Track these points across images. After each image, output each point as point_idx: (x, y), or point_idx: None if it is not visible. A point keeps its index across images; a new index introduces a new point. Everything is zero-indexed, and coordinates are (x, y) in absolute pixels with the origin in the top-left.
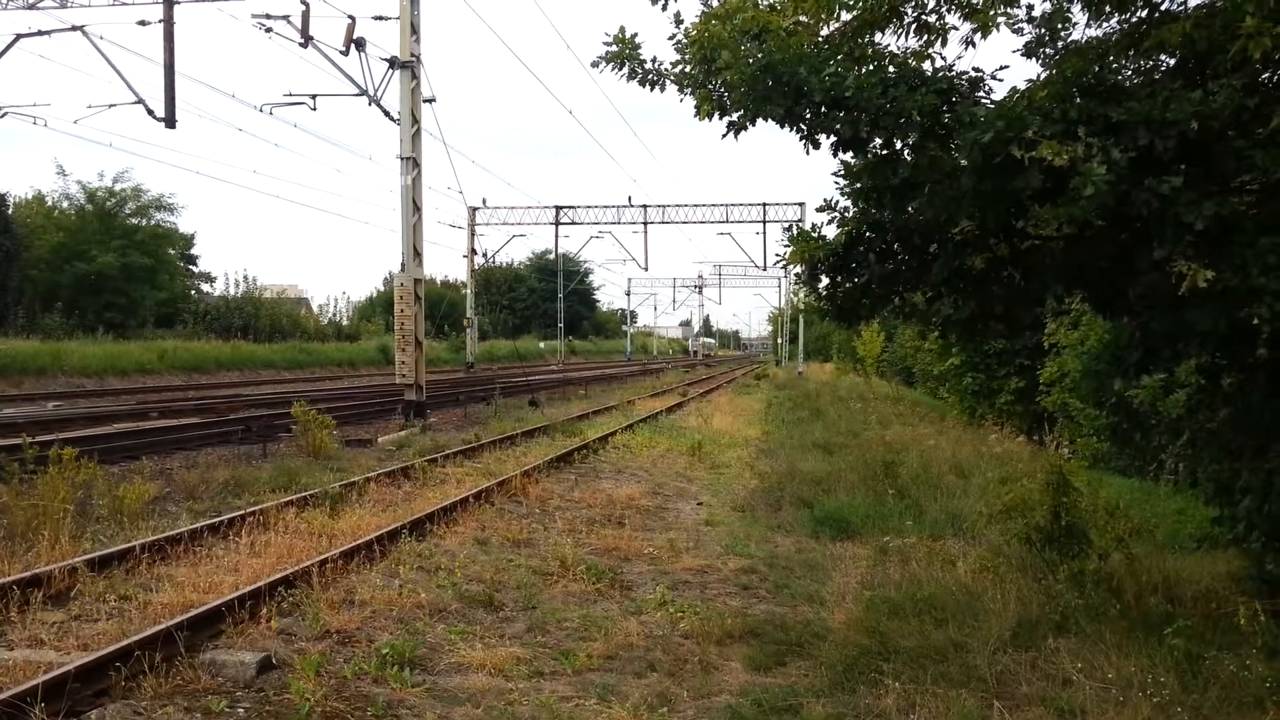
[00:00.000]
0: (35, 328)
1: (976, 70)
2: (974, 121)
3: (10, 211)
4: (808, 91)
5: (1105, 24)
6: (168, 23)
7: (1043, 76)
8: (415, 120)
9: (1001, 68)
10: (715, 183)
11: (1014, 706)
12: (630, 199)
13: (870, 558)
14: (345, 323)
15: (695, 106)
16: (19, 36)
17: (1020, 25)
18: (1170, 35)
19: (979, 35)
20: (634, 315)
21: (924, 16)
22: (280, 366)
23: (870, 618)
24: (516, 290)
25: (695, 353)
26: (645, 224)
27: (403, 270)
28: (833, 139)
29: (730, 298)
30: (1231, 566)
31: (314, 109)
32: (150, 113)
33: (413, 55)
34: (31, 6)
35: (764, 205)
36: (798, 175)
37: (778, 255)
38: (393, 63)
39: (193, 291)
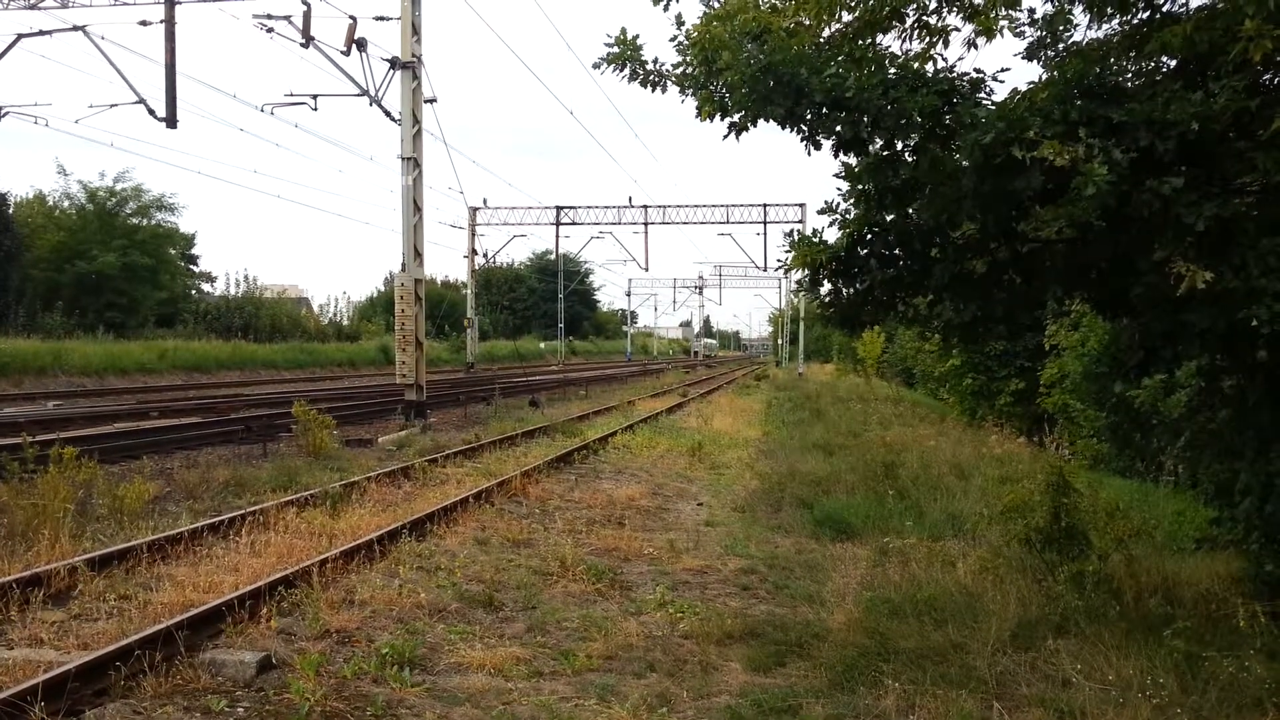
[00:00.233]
0: (36, 327)
1: (978, 72)
2: (975, 122)
3: (11, 211)
4: (809, 92)
5: (1106, 26)
6: (169, 23)
7: (1044, 78)
8: (416, 120)
9: (1002, 70)
10: (716, 183)
11: (1013, 707)
12: (631, 199)
13: (870, 558)
14: (346, 323)
15: (697, 107)
16: (20, 36)
17: (1022, 28)
18: (1171, 37)
19: (981, 38)
20: (634, 316)
21: (925, 18)
22: (281, 366)
23: (870, 618)
24: (517, 290)
25: (697, 353)
26: (646, 224)
27: (403, 270)
28: (834, 140)
29: (730, 298)
30: (1231, 568)
31: (315, 109)
32: (151, 113)
33: (414, 56)
34: (33, 6)
35: (765, 206)
36: (799, 176)
37: (779, 261)
38: (394, 63)
39: (193, 291)
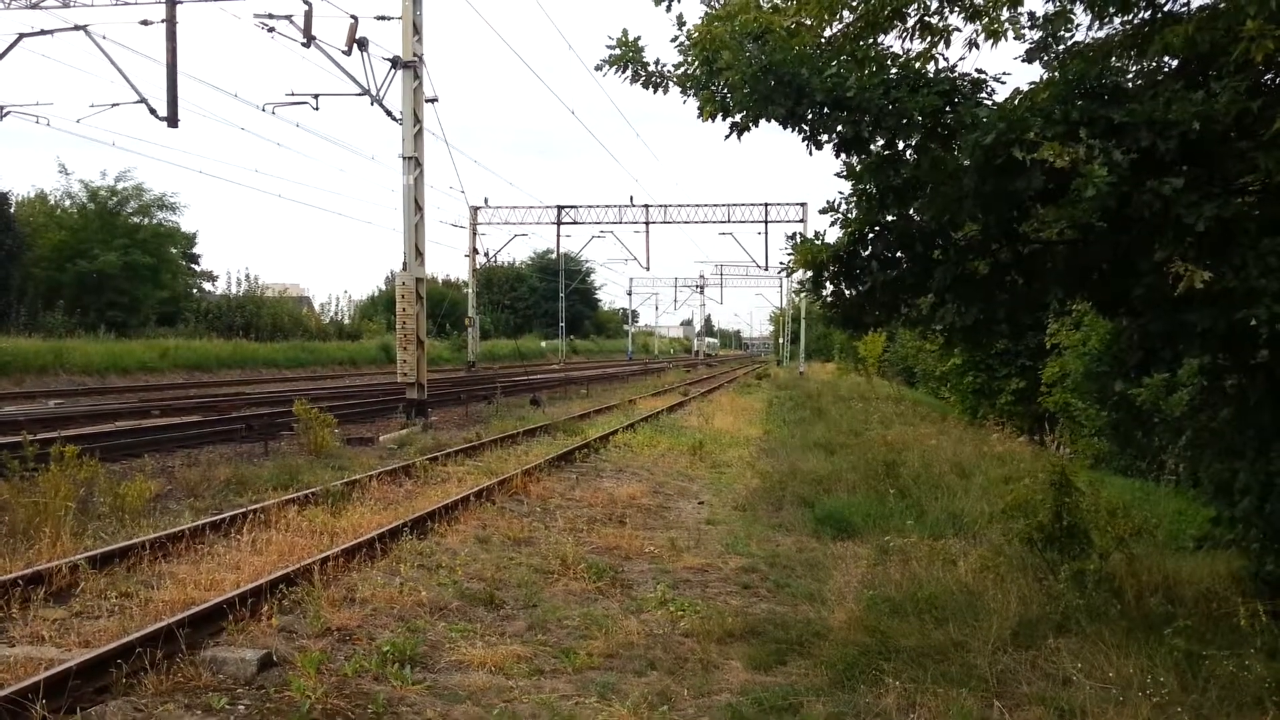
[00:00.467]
0: (37, 326)
1: (979, 72)
2: (976, 123)
3: (13, 210)
4: (809, 92)
5: (1108, 26)
6: (170, 22)
7: (1045, 79)
8: (417, 120)
9: (1004, 72)
10: (717, 183)
11: (1014, 706)
12: (632, 199)
13: (871, 557)
14: (347, 322)
15: (698, 108)
16: (22, 36)
17: (1023, 29)
18: (1173, 37)
19: (983, 39)
20: (635, 315)
21: (927, 18)
22: (282, 365)
23: (871, 617)
24: (518, 289)
25: (699, 353)
26: (647, 224)
27: (404, 269)
28: (835, 140)
29: (732, 297)
30: (1232, 567)
31: (316, 108)
32: (153, 112)
33: (415, 55)
34: (34, 6)
35: (766, 205)
36: (800, 176)
37: (781, 263)
38: (395, 62)
39: (195, 290)
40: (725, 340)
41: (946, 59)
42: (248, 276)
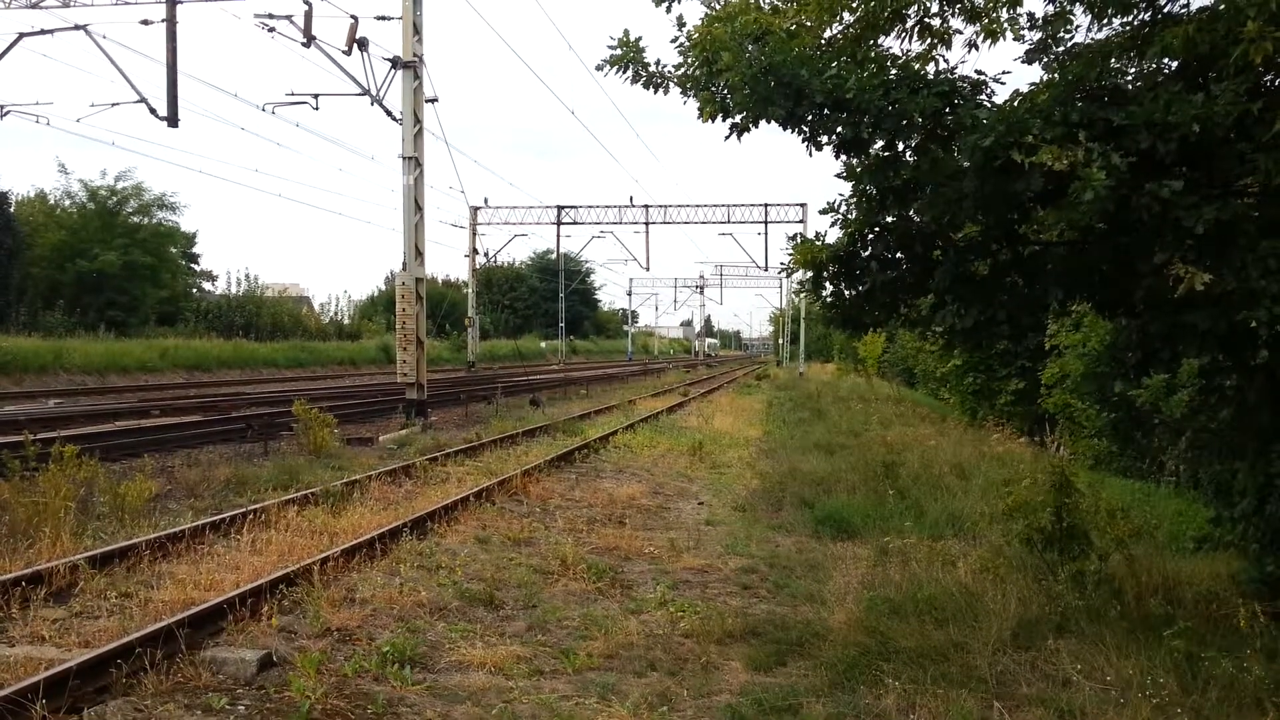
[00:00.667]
0: (37, 325)
1: (979, 73)
2: (975, 124)
3: (12, 210)
4: (809, 93)
5: (1107, 27)
6: (170, 22)
7: (1044, 80)
8: (417, 120)
9: (1004, 73)
10: (717, 183)
11: (1014, 707)
12: (632, 199)
13: (871, 558)
14: (347, 322)
15: (698, 108)
16: (22, 35)
17: (1023, 30)
18: (1173, 39)
19: (982, 40)
20: (635, 315)
21: (926, 19)
22: (281, 365)
23: (870, 618)
24: (518, 290)
25: (700, 353)
26: (647, 224)
27: (404, 269)
28: (835, 141)
29: (731, 298)
30: (1231, 568)
31: (316, 108)
32: (153, 112)
33: (415, 55)
34: (34, 5)
35: (766, 206)
36: (800, 176)
37: (781, 263)
38: (395, 63)
39: (194, 290)
40: (725, 341)
41: (946, 60)
42: (247, 276)
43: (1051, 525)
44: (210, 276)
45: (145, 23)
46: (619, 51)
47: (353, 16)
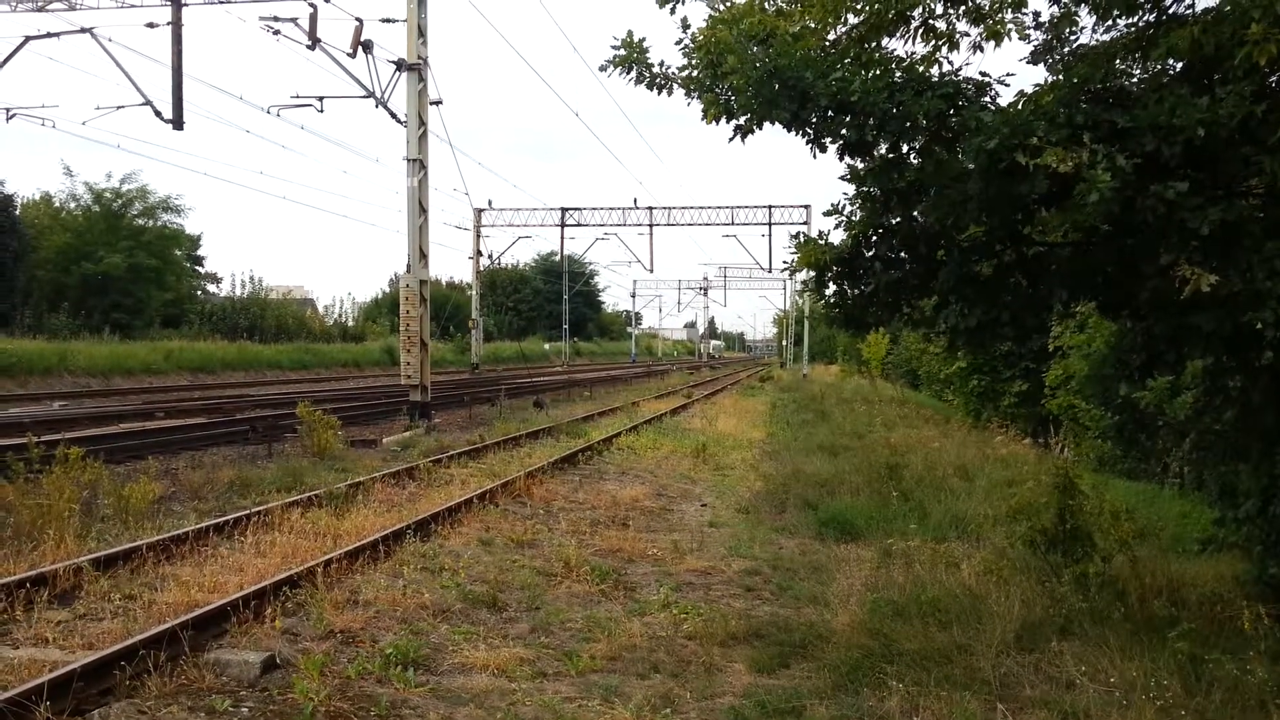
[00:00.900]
0: (42, 328)
1: (983, 75)
2: (980, 127)
3: (18, 212)
4: (814, 96)
5: (1113, 29)
6: (176, 25)
7: (1049, 81)
8: (422, 122)
9: (1008, 74)
10: (721, 185)
11: (1017, 709)
12: (636, 201)
13: (874, 560)
14: (351, 324)
15: (702, 110)
16: (28, 39)
17: (1028, 31)
18: (1178, 40)
19: (987, 41)
20: (639, 317)
21: (931, 21)
22: (286, 367)
23: (874, 620)
24: (522, 292)
25: (703, 355)
26: (651, 226)
27: (408, 271)
28: (839, 143)
29: (735, 300)
30: (1236, 570)
31: (321, 111)
32: (158, 114)
33: (420, 58)
34: (40, 9)
35: (769, 208)
36: (804, 178)
37: (785, 262)
38: (400, 65)
39: (199, 292)
40: (729, 342)
41: (951, 62)
42: (252, 278)
43: (1055, 527)
44: (215, 279)
45: (151, 25)
46: (622, 52)
47: (358, 19)
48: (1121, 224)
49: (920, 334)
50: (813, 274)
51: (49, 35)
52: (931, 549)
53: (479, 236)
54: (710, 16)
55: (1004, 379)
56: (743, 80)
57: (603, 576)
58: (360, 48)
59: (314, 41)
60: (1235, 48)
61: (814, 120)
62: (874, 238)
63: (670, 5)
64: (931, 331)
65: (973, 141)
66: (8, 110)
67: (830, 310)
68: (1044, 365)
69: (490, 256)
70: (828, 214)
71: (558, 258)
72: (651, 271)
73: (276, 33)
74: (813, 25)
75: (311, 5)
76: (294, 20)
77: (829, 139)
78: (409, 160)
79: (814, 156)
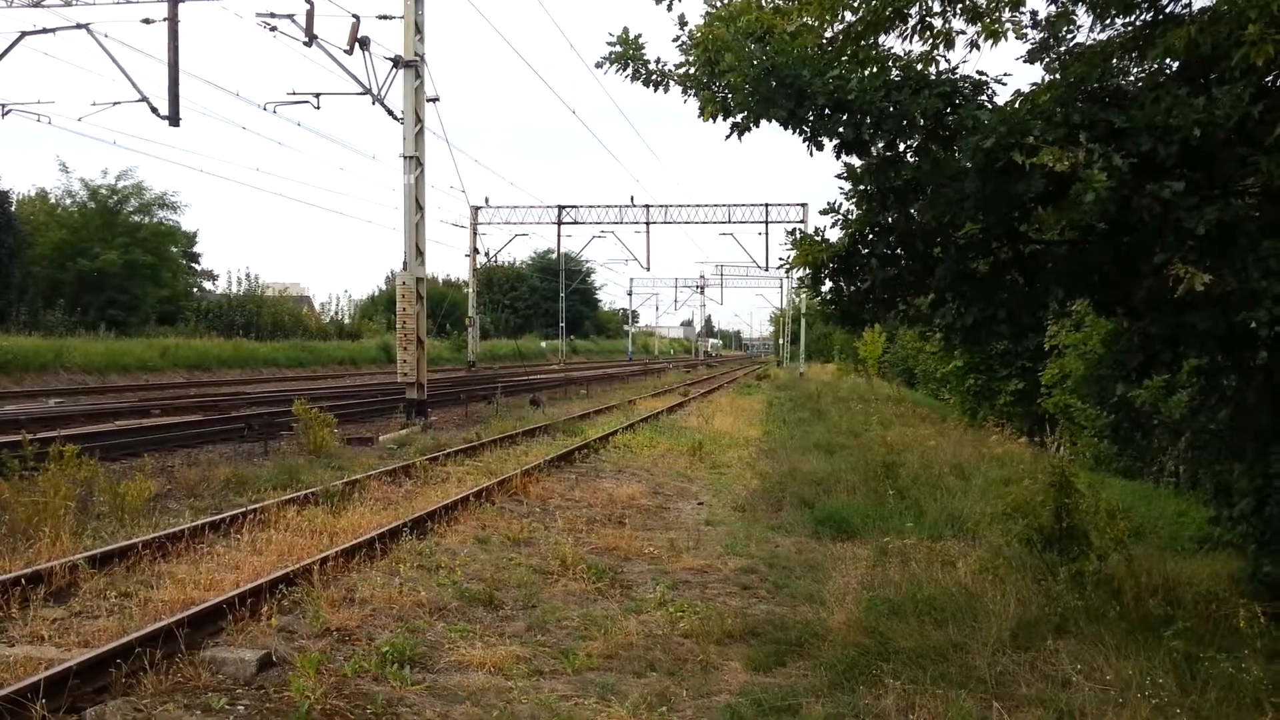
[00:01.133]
0: (37, 324)
1: (980, 74)
2: (977, 125)
3: (13, 208)
4: (811, 94)
5: (1110, 28)
6: (172, 20)
7: (1046, 81)
8: (418, 119)
9: (1005, 74)
10: (718, 183)
11: (1013, 707)
12: (633, 199)
13: (870, 558)
14: (347, 321)
15: (699, 108)
16: (24, 34)
17: (1025, 30)
18: (1175, 40)
19: (984, 40)
20: (636, 315)
21: (928, 19)
22: (282, 364)
23: (870, 618)
24: (518, 289)
25: (700, 353)
26: (647, 224)
27: (405, 269)
28: (836, 141)
29: (732, 298)
30: (1231, 568)
31: (317, 108)
32: (154, 110)
33: (416, 54)
34: (36, 4)
35: (766, 206)
36: (801, 176)
37: (781, 259)
38: (396, 62)
39: (195, 289)
40: (725, 341)
41: (948, 60)
42: (248, 275)
43: (1051, 525)
44: (211, 276)
45: (147, 21)
46: (618, 49)
47: (354, 16)
48: (1118, 223)
49: (917, 332)
50: (809, 271)
51: (45, 31)
52: (927, 547)
53: (475, 234)
54: (707, 13)
55: (1000, 378)
56: (740, 78)
57: (599, 575)
58: (357, 44)
59: (311, 38)
60: (1232, 48)
61: (811, 118)
62: (871, 235)
63: (667, 2)
64: (928, 329)
65: (969, 140)
66: (3, 106)
67: (826, 307)
68: (1040, 364)
69: (487, 254)
70: (825, 213)
71: (554, 255)
72: (648, 269)
73: (273, 29)
74: (810, 23)
75: (308, 2)
76: (290, 17)
77: (826, 137)
78: (405, 157)
79: (811, 155)
